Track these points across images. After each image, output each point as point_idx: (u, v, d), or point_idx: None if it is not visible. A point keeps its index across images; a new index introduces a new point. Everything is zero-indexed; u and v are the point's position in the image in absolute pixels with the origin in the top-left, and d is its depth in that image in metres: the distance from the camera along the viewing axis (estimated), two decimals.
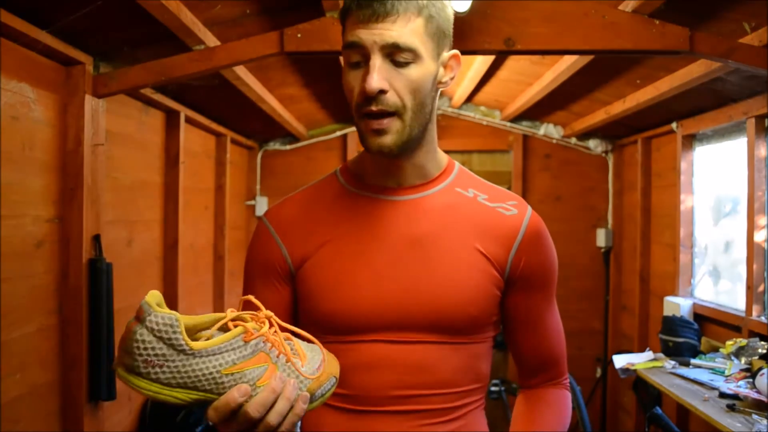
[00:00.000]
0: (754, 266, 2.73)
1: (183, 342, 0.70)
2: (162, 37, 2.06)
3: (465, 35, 1.98)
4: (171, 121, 2.97)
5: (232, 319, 0.76)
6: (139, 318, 0.70)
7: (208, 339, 0.75)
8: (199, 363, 0.71)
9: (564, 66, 2.83)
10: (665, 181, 3.76)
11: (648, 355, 3.02)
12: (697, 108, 3.18)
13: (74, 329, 2.03)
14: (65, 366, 2.03)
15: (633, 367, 2.88)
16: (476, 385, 1.00)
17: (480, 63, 3.33)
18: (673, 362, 2.82)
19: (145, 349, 0.69)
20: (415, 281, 0.95)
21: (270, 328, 0.77)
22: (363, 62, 0.90)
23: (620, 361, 3.00)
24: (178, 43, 2.10)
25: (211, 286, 3.69)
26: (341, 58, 0.98)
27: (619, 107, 3.36)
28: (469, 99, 4.36)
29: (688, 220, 3.47)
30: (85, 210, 2.05)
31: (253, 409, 0.73)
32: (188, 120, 3.12)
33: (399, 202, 0.99)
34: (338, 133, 4.52)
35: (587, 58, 2.60)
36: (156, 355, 0.69)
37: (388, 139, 0.91)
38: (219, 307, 3.76)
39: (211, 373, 0.71)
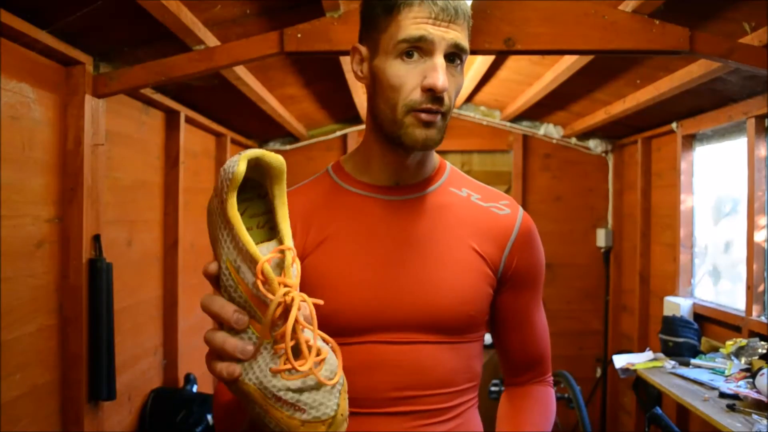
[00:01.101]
0: (754, 266, 2.73)
1: (225, 196, 0.66)
2: (162, 37, 2.06)
3: None
4: (171, 121, 2.97)
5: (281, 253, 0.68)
6: (242, 152, 0.68)
7: (253, 233, 0.71)
8: (223, 230, 0.68)
9: (564, 66, 2.83)
10: (665, 181, 3.76)
11: (648, 355, 3.02)
12: (697, 108, 3.18)
13: (74, 329, 2.03)
14: (65, 366, 2.03)
15: (633, 367, 2.88)
16: (471, 383, 1.01)
17: (480, 63, 3.33)
18: (673, 362, 2.82)
19: (220, 172, 0.68)
20: (412, 282, 0.95)
21: (284, 308, 0.64)
22: (420, 58, 0.90)
23: (620, 361, 3.00)
24: (178, 43, 2.10)
25: (211, 286, 3.68)
26: (363, 48, 0.96)
27: (619, 107, 3.36)
28: (469, 99, 4.36)
29: (688, 220, 3.47)
30: (85, 210, 2.05)
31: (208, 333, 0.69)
32: (188, 120, 3.12)
33: (395, 201, 0.99)
34: (338, 133, 4.52)
35: (587, 58, 2.60)
36: (217, 188, 0.69)
37: (433, 133, 0.92)
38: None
39: (224, 250, 0.68)
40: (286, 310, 0.64)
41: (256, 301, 0.65)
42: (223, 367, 0.66)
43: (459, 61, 0.92)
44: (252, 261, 0.65)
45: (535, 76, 3.38)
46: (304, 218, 0.99)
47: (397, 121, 0.92)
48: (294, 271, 0.67)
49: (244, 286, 0.66)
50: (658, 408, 2.57)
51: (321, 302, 0.68)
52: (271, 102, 3.20)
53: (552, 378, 1.13)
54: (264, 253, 0.67)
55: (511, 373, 1.10)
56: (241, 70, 2.58)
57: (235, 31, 2.29)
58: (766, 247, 2.72)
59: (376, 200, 0.99)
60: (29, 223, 1.87)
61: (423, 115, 0.90)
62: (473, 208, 1.01)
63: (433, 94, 0.89)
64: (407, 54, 0.90)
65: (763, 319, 2.67)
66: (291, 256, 0.67)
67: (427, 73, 0.89)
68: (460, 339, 0.97)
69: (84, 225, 2.04)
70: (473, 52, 2.18)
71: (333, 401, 0.64)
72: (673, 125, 3.49)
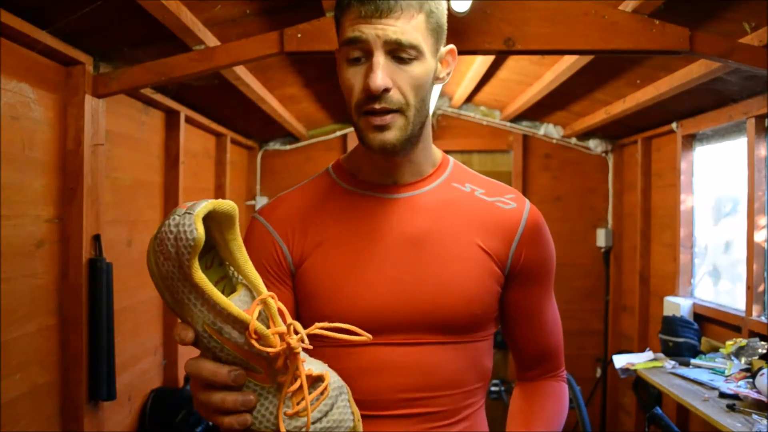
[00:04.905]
0: (754, 266, 2.73)
1: (187, 262, 0.62)
2: (162, 37, 2.06)
3: (465, 35, 1.98)
4: (171, 121, 2.97)
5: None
6: (188, 209, 0.63)
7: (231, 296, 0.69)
8: (190, 295, 0.64)
9: (564, 66, 2.83)
10: (665, 181, 3.76)
11: (648, 355, 3.02)
12: (697, 108, 3.18)
13: (74, 329, 2.03)
14: (65, 366, 2.03)
15: (633, 367, 2.88)
16: (480, 383, 0.99)
17: (480, 63, 3.33)
18: (673, 362, 2.82)
19: (164, 233, 0.63)
20: (416, 281, 0.93)
21: (286, 355, 0.66)
22: (364, 59, 0.88)
23: (620, 361, 3.00)
24: (178, 43, 2.10)
25: None
26: (337, 55, 0.96)
27: (619, 107, 3.36)
28: (469, 99, 4.36)
29: (688, 220, 3.47)
30: (85, 210, 2.05)
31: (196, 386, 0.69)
32: (188, 120, 3.12)
33: (396, 200, 0.97)
34: (338, 133, 4.52)
35: (587, 58, 2.60)
36: (166, 252, 0.63)
37: (390, 136, 0.89)
38: None
39: (197, 314, 0.65)
40: (288, 355, 0.66)
41: (248, 355, 0.66)
42: (233, 420, 0.67)
43: (407, 56, 0.88)
44: (236, 322, 0.64)
45: (535, 76, 3.38)
46: (301, 220, 0.98)
47: (355, 123, 0.91)
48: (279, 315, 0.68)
49: (232, 345, 0.66)
50: (658, 408, 2.57)
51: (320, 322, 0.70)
52: (271, 102, 3.20)
53: (564, 373, 1.10)
54: (238, 305, 0.66)
55: (523, 367, 1.07)
56: (241, 70, 2.58)
57: (235, 31, 2.29)
58: (766, 247, 2.72)
59: (376, 199, 0.97)
60: (29, 223, 1.86)
61: (372, 118, 0.89)
62: (477, 203, 0.99)
63: (369, 94, 0.87)
64: (354, 57, 0.89)
65: (763, 319, 2.67)
66: (274, 304, 0.67)
67: (367, 74, 0.87)
68: (467, 338, 0.96)
69: (84, 225, 2.04)
70: (473, 52, 2.19)
71: (348, 412, 0.69)
72: (673, 125, 3.49)
